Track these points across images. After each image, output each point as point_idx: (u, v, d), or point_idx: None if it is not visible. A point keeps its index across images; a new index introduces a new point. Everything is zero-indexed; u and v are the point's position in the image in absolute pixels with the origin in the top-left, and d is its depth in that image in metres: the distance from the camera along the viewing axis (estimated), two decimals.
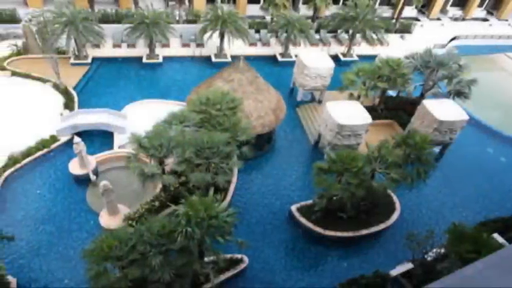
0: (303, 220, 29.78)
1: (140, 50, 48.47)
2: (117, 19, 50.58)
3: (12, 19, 48.98)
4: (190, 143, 25.54)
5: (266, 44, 53.57)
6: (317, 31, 56.05)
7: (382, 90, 39.40)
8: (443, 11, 68.49)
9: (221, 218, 20.73)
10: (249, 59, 38.30)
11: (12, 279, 24.19)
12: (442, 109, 35.05)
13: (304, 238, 29.84)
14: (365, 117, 33.95)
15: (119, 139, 34.79)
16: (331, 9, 56.31)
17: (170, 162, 28.55)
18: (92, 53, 47.04)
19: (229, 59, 48.88)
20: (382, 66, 37.70)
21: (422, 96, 41.22)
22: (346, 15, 49.12)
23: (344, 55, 52.87)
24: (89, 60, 46.05)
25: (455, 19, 68.16)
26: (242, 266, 26.43)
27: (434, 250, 25.68)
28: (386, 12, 62.53)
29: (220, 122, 27.98)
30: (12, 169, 31.17)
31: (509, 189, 35.90)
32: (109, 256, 19.89)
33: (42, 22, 40.03)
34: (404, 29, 60.56)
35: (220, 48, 49.16)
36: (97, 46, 47.36)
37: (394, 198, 32.19)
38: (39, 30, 40.74)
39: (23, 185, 30.91)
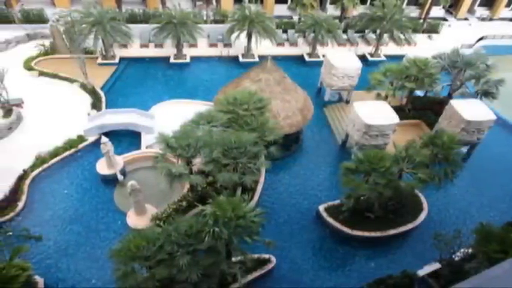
0: (330, 220, 29.62)
1: (168, 50, 48.73)
2: (144, 19, 51.19)
3: (40, 19, 49.62)
4: (217, 143, 25.49)
5: (293, 44, 53.58)
6: (344, 31, 55.79)
7: (410, 90, 39.00)
8: (470, 11, 67.78)
9: (248, 218, 20.65)
10: (276, 59, 38.26)
11: (39, 279, 24.31)
12: (470, 109, 34.62)
13: (331, 238, 29.66)
14: (392, 117, 33.66)
15: (146, 139, 34.90)
16: (359, 9, 55.83)
17: (197, 162, 28.54)
18: (119, 53, 47.50)
19: (257, 59, 48.89)
20: (409, 66, 37.41)
21: (449, 96, 40.89)
22: (373, 15, 48.83)
23: (371, 55, 52.61)
24: (117, 60, 46.43)
25: (483, 19, 67.36)
26: (270, 266, 26.33)
27: (462, 250, 25.54)
28: (413, 12, 61.83)
29: (248, 122, 27.91)
30: (40, 169, 31.43)
31: None
32: (136, 256, 19.91)
33: (69, 22, 40.57)
34: (432, 29, 60.08)
35: (248, 48, 49.22)
36: (124, 46, 47.98)
37: (422, 198, 31.85)
38: (67, 30, 41.17)
39: (51, 184, 31.13)
